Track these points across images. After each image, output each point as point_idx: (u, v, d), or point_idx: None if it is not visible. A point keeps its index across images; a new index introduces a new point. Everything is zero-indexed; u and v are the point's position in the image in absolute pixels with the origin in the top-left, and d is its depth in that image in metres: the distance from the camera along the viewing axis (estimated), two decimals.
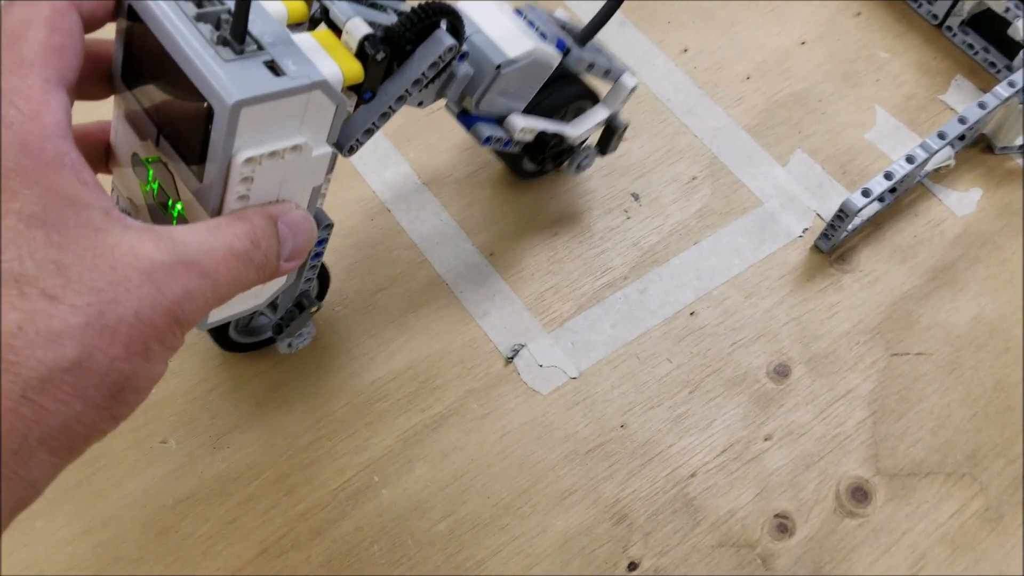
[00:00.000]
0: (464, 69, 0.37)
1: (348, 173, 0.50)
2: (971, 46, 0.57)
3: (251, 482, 0.41)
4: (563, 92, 0.44)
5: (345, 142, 0.33)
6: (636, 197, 0.51)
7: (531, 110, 0.42)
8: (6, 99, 0.22)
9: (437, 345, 0.45)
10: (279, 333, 0.41)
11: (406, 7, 0.32)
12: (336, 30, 0.31)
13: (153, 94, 0.27)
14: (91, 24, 0.25)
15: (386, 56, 0.30)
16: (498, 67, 0.37)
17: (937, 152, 0.50)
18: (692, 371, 0.45)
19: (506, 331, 0.46)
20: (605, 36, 0.51)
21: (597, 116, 0.45)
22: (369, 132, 0.33)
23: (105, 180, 0.30)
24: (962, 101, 0.55)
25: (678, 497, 0.42)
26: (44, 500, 0.22)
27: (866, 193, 0.47)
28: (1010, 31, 0.54)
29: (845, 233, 0.48)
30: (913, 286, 0.48)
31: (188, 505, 0.40)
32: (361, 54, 0.30)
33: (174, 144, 0.27)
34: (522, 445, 0.43)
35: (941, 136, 0.50)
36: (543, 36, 0.41)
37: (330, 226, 0.34)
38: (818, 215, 0.50)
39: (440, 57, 0.33)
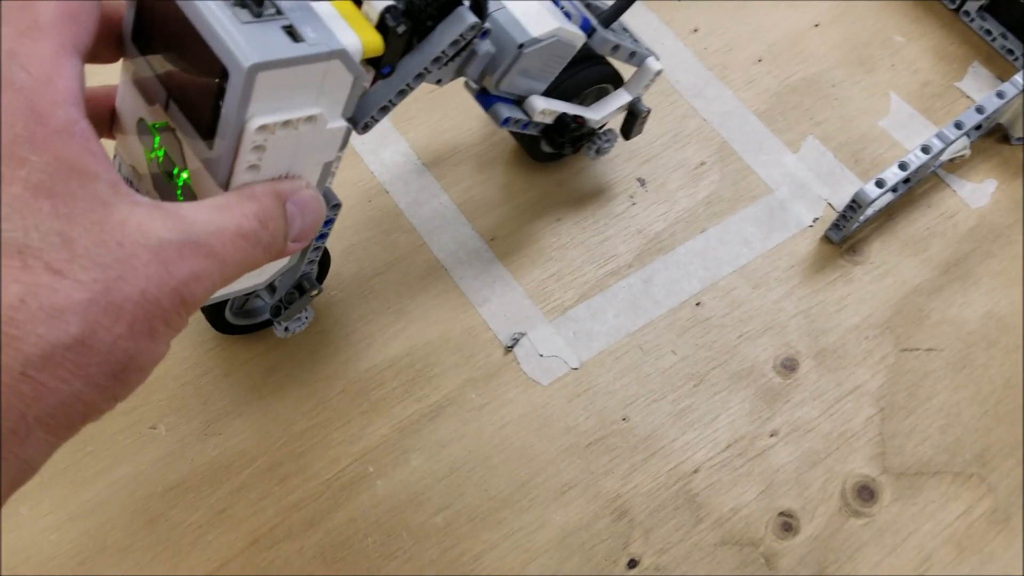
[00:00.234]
0: (485, 47, 0.35)
1: (345, 153, 0.48)
2: (989, 32, 0.56)
3: (243, 470, 0.40)
4: (585, 74, 0.42)
5: (360, 118, 0.32)
6: (642, 182, 0.49)
7: (552, 92, 0.41)
8: (17, 62, 0.21)
9: (435, 332, 0.44)
10: (277, 316, 0.40)
11: None
12: (356, 0, 0.29)
13: (165, 57, 0.26)
14: None
15: (407, 30, 0.29)
16: (520, 46, 0.36)
17: (953, 142, 0.48)
18: (697, 364, 0.44)
19: (506, 319, 0.45)
20: None
21: (619, 100, 0.43)
22: (385, 109, 0.32)
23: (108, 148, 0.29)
24: (979, 89, 0.54)
25: (680, 493, 0.41)
26: (30, 485, 0.22)
27: (880, 184, 0.46)
28: None
29: (857, 224, 0.47)
30: (924, 280, 0.47)
31: (178, 493, 0.39)
32: (381, 26, 0.29)
33: (184, 109, 0.26)
34: (521, 437, 0.42)
35: (958, 126, 0.49)
36: (567, 16, 0.40)
37: (338, 206, 0.33)
38: (829, 204, 0.49)
39: (462, 35, 0.32)
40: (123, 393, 0.21)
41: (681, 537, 0.40)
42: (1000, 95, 0.49)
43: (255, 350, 0.43)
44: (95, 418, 0.21)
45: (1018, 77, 0.50)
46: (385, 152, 0.49)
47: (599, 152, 0.45)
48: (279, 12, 0.25)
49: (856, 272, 0.47)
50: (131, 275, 0.20)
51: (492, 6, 0.36)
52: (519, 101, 0.40)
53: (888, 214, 0.49)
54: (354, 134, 0.29)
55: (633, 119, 0.44)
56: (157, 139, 0.28)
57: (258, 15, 0.24)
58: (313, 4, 0.26)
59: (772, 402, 0.43)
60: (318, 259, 0.37)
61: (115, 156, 0.32)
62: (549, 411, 0.42)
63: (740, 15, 0.56)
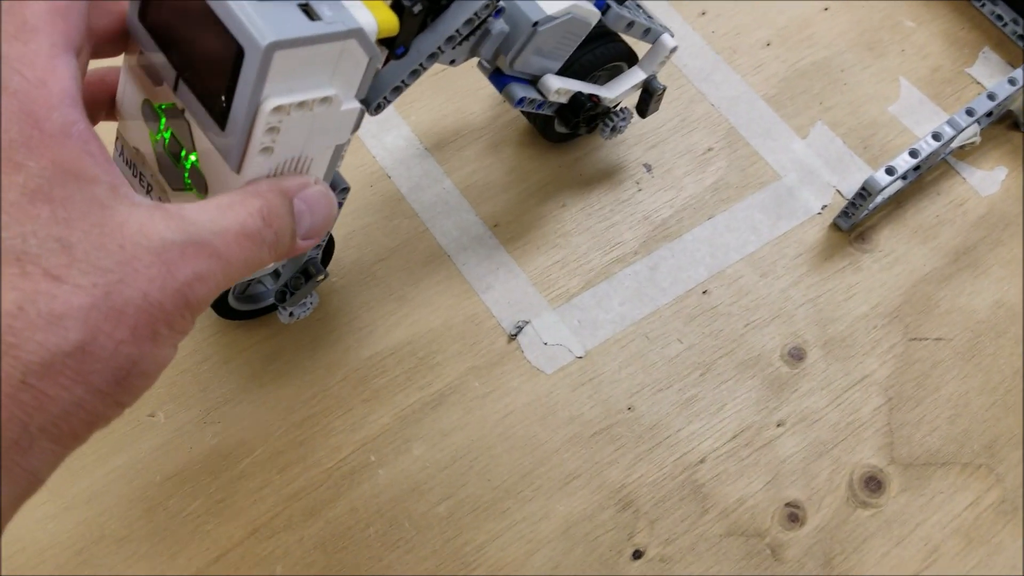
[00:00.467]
0: (499, 26, 0.35)
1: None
2: (1000, 17, 0.55)
3: (242, 459, 0.40)
4: (600, 52, 0.42)
5: (373, 99, 0.32)
6: (648, 168, 0.48)
7: (566, 70, 0.40)
8: (9, 66, 0.21)
9: (438, 320, 0.43)
10: (282, 301, 0.39)
11: None
12: None
13: (174, 34, 0.25)
14: None
15: (422, 9, 0.28)
16: (535, 24, 0.35)
17: (964, 129, 0.47)
18: (703, 352, 0.43)
19: (510, 307, 0.44)
20: None
21: (634, 78, 0.43)
22: (397, 90, 0.31)
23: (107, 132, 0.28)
24: (989, 75, 0.53)
25: (686, 483, 0.40)
26: None
27: (890, 171, 0.45)
28: None
29: (866, 212, 0.47)
30: (933, 268, 0.47)
31: (176, 482, 0.39)
32: (396, 5, 0.28)
33: (195, 90, 0.25)
34: (525, 426, 0.41)
35: (969, 112, 0.48)
36: None
37: (347, 190, 0.33)
38: (838, 191, 0.48)
39: (476, 13, 0.31)
40: (129, 399, 0.21)
41: (687, 528, 0.39)
42: (1012, 82, 0.49)
43: (255, 337, 0.42)
44: (102, 426, 0.21)
45: None
46: (387, 136, 0.48)
47: (614, 131, 0.44)
48: None
49: (865, 260, 0.47)
50: (132, 278, 0.20)
51: None
52: (533, 81, 0.39)
53: (897, 202, 0.48)
54: (364, 117, 0.29)
55: (649, 97, 0.44)
56: (163, 121, 0.28)
57: None
58: None
59: (779, 392, 0.43)
60: (324, 244, 0.37)
61: (116, 139, 0.31)
62: (553, 400, 0.42)
63: None
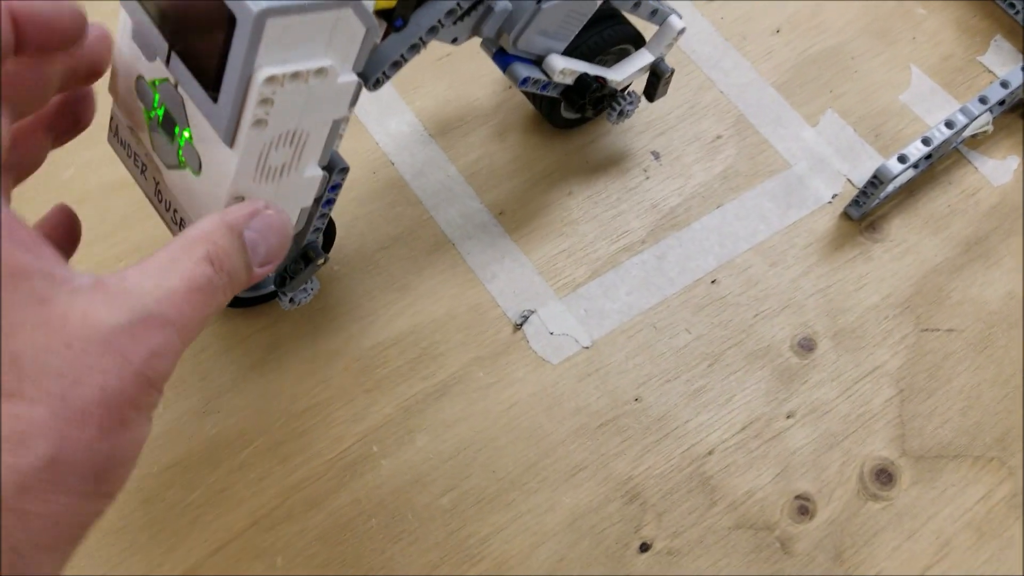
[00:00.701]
0: (502, 4, 0.34)
1: (349, 122, 0.47)
2: (1012, 5, 0.54)
3: (242, 449, 0.39)
4: (607, 33, 0.41)
5: (371, 74, 0.31)
6: (656, 156, 0.48)
7: (571, 52, 0.39)
8: None
9: (441, 309, 0.43)
10: (282, 286, 0.38)
11: None
12: None
13: (166, 7, 0.25)
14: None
15: None
16: (539, 2, 0.35)
17: (977, 118, 0.47)
18: (712, 343, 0.43)
19: (515, 296, 0.43)
20: None
21: (641, 60, 0.42)
22: (396, 65, 0.31)
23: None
24: (1001, 63, 0.52)
25: (694, 476, 0.40)
26: None
27: (903, 159, 0.44)
28: None
29: (877, 201, 0.46)
30: (945, 258, 0.46)
31: (175, 472, 0.38)
32: None
33: (187, 61, 0.25)
34: (530, 417, 0.40)
35: (982, 100, 0.47)
36: None
37: (346, 170, 0.32)
38: (849, 180, 0.48)
39: None
40: (115, 488, 0.20)
41: (694, 520, 0.39)
42: None
43: (255, 326, 0.41)
44: (96, 520, 0.20)
45: None
46: (390, 122, 0.47)
47: (622, 115, 0.43)
48: None
49: (876, 250, 0.46)
50: (86, 375, 0.19)
51: None
52: (538, 61, 0.38)
53: (909, 191, 0.48)
54: (362, 94, 0.28)
55: (656, 80, 0.43)
56: (157, 96, 0.27)
57: None
58: None
59: (789, 383, 0.42)
60: (324, 227, 0.36)
61: (111, 117, 0.31)
62: (559, 391, 0.41)
63: None
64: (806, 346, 0.43)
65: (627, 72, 0.41)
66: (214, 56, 0.24)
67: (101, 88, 0.28)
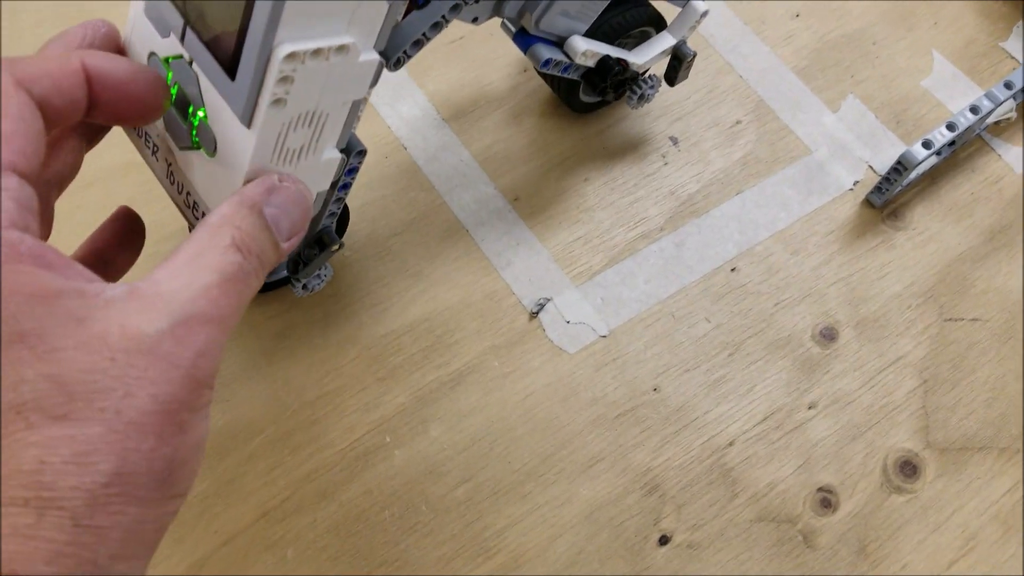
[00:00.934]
0: None
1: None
2: None
3: (252, 439, 0.37)
4: (629, 16, 0.40)
5: (392, 53, 0.30)
6: (675, 141, 0.46)
7: (593, 34, 0.38)
8: None
9: (455, 297, 0.41)
10: (295, 272, 0.37)
11: None
12: None
13: None
14: (51, 114, 0.22)
15: None
16: None
17: (1002, 103, 0.45)
18: (732, 332, 0.41)
19: (531, 283, 0.42)
20: None
21: (663, 43, 0.40)
22: (418, 44, 0.29)
23: None
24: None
25: (714, 467, 0.38)
26: None
27: (927, 145, 0.43)
28: None
29: (900, 188, 0.44)
30: (969, 247, 0.44)
31: None
32: None
33: (204, 38, 0.24)
34: (546, 407, 0.39)
35: (1008, 86, 0.46)
36: None
37: (363, 153, 0.30)
38: (870, 167, 0.46)
39: None
40: (184, 489, 0.20)
41: (715, 513, 0.37)
42: None
43: (265, 313, 0.40)
44: (170, 521, 0.20)
45: None
46: (402, 105, 0.46)
47: (642, 99, 0.42)
48: None
49: (898, 238, 0.44)
50: (136, 386, 0.19)
51: None
52: (559, 43, 0.37)
53: (931, 178, 0.46)
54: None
55: (678, 64, 0.41)
56: (170, 75, 0.26)
57: None
58: None
59: (810, 373, 0.41)
60: (339, 212, 0.34)
61: None
62: (576, 380, 0.40)
63: None
64: (828, 335, 0.42)
65: (649, 55, 0.40)
66: (232, 32, 0.22)
67: None
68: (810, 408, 0.40)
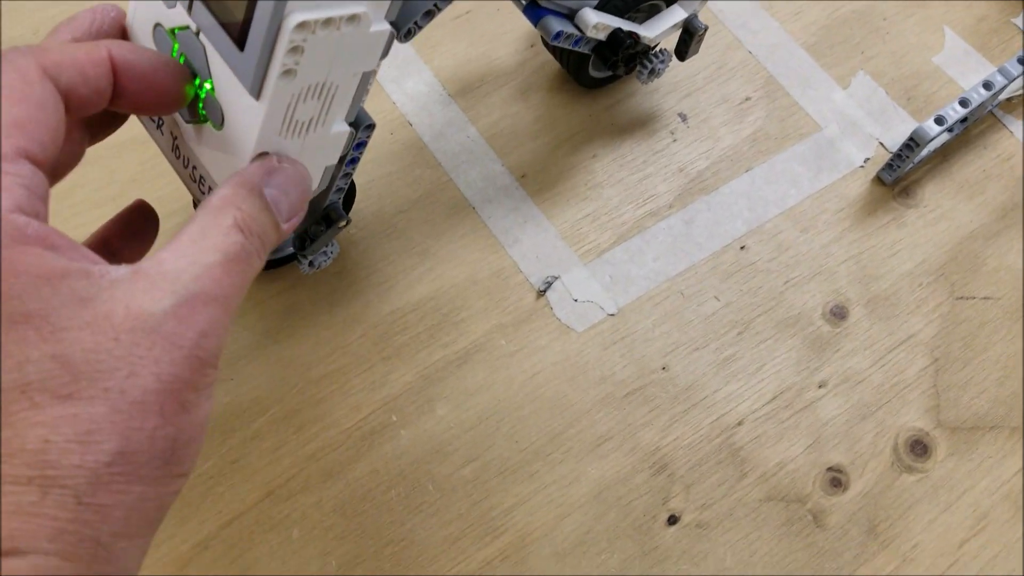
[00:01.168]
0: None
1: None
2: None
3: (257, 418, 0.36)
4: None
5: (403, 24, 0.28)
6: (683, 118, 0.44)
7: (603, 7, 0.36)
8: None
9: (462, 274, 0.40)
10: (302, 249, 0.35)
11: None
12: None
13: None
14: (76, 102, 0.21)
15: None
16: None
17: (1015, 80, 0.43)
18: (741, 310, 0.40)
19: (538, 261, 0.40)
20: None
21: (674, 16, 0.39)
22: (429, 15, 0.28)
23: None
24: None
25: (723, 447, 0.37)
26: None
27: (940, 121, 0.41)
28: None
29: (911, 165, 0.43)
30: (980, 224, 0.43)
31: None
32: None
33: (211, 6, 0.22)
34: (554, 386, 0.38)
35: (1021, 61, 0.44)
36: None
37: (371, 127, 0.29)
38: (881, 144, 0.44)
39: None
40: (187, 468, 0.20)
41: (724, 492, 0.36)
42: None
43: (269, 291, 0.39)
44: (173, 500, 0.20)
45: None
46: (408, 82, 0.44)
47: (653, 74, 0.40)
48: None
49: (909, 216, 0.43)
50: (140, 366, 0.19)
51: None
52: (570, 16, 0.35)
53: (942, 155, 0.44)
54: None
55: (689, 38, 0.40)
56: (176, 46, 0.24)
57: None
58: None
59: (820, 352, 0.39)
60: (346, 188, 0.33)
61: None
62: (584, 359, 0.38)
63: None
64: (838, 314, 0.40)
65: (660, 28, 0.38)
66: (241, 1, 0.21)
67: None
68: (820, 387, 0.38)
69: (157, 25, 0.25)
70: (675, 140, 0.44)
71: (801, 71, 0.46)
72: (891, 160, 0.42)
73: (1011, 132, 0.45)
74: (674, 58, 0.42)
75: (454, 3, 0.32)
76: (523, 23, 0.46)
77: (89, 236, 0.26)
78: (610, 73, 0.43)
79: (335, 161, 0.28)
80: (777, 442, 0.37)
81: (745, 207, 0.42)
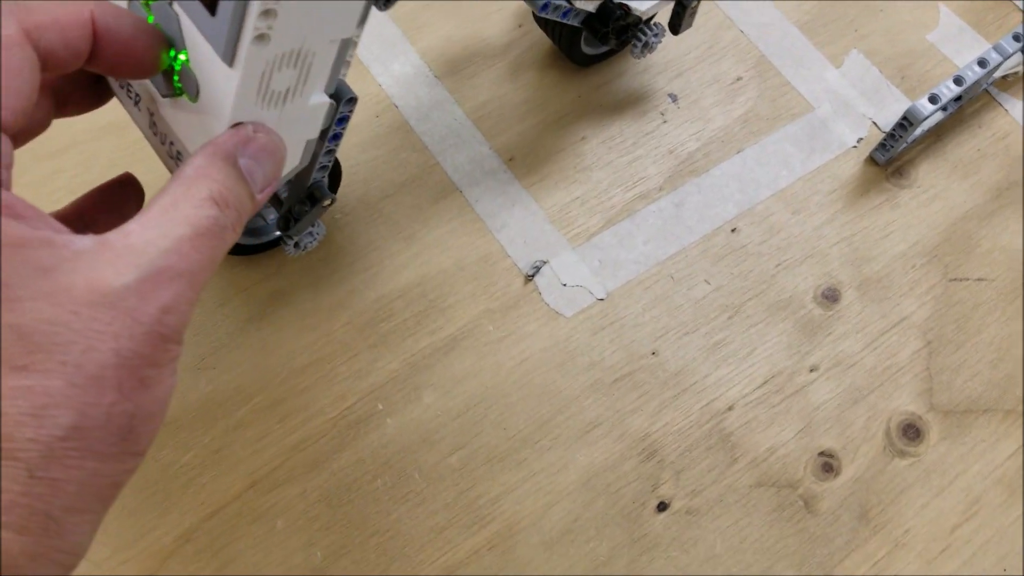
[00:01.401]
0: None
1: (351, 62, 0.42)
2: None
3: (240, 407, 0.35)
4: None
5: None
6: (674, 98, 0.43)
7: None
8: None
9: (449, 260, 0.38)
10: (286, 229, 0.33)
11: None
12: None
13: None
14: (53, 63, 0.21)
15: None
16: None
17: (1010, 57, 0.41)
18: (732, 294, 0.38)
19: (526, 246, 0.39)
20: None
21: None
22: None
23: None
24: None
25: (714, 432, 0.36)
26: None
27: (933, 99, 0.39)
28: None
29: (905, 144, 0.41)
30: (975, 205, 0.41)
31: (169, 432, 0.34)
32: None
33: None
34: (542, 372, 0.36)
35: (1016, 38, 0.42)
36: None
37: (353, 100, 0.27)
38: (874, 123, 0.43)
39: None
40: (143, 447, 0.19)
41: (714, 479, 0.35)
42: None
43: (252, 278, 0.37)
44: (128, 478, 0.19)
45: None
46: (394, 63, 0.42)
47: (646, 47, 0.38)
48: None
49: (902, 196, 0.41)
50: (98, 340, 0.18)
51: None
52: None
53: (936, 135, 0.43)
54: (369, 22, 0.23)
55: (682, 10, 0.38)
56: (151, 17, 0.23)
57: None
58: None
59: (812, 335, 0.38)
60: (330, 166, 0.31)
61: None
62: (573, 345, 0.37)
63: None
64: (830, 297, 0.39)
65: (651, 1, 0.36)
66: None
67: None
68: (812, 371, 0.37)
69: None
70: (665, 121, 0.42)
71: (793, 50, 0.44)
72: (884, 140, 0.41)
73: (1006, 110, 0.44)
74: (666, 36, 0.40)
75: None
76: (510, 1, 0.44)
77: (67, 205, 0.25)
78: (603, 49, 0.41)
79: (316, 135, 0.26)
80: (768, 427, 0.36)
81: (736, 189, 0.40)
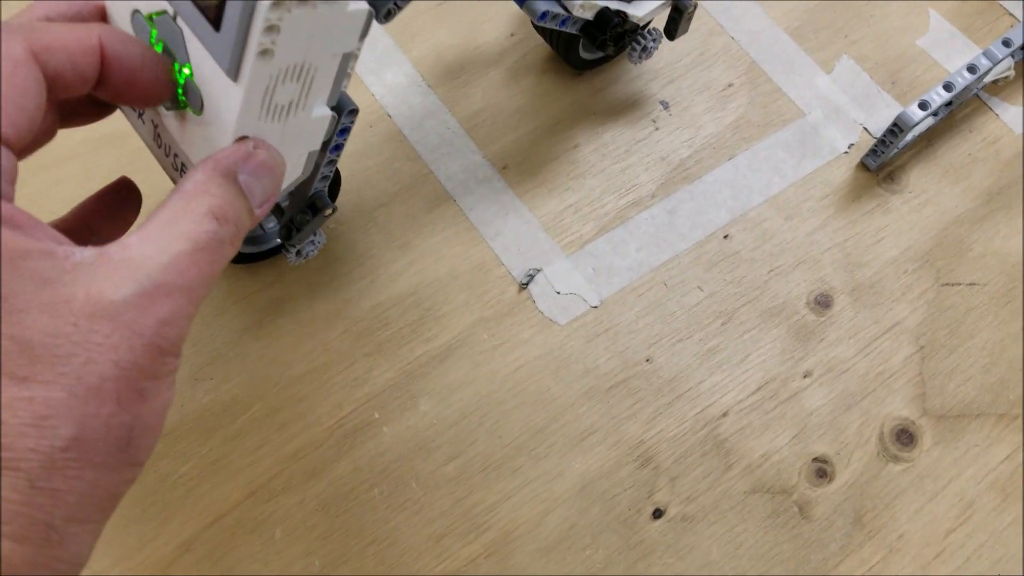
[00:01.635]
0: None
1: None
2: None
3: (237, 417, 0.34)
4: None
5: (382, 4, 0.27)
6: (665, 106, 0.42)
7: None
8: None
9: (443, 268, 0.38)
10: (288, 239, 0.33)
11: None
12: None
13: None
14: (61, 85, 0.20)
15: None
16: None
17: (1000, 62, 0.41)
18: (725, 300, 0.38)
19: (520, 254, 0.38)
20: None
21: None
22: None
23: None
24: (1022, 6, 0.46)
25: (708, 439, 0.35)
26: None
27: (924, 106, 0.39)
28: None
29: (896, 150, 0.40)
30: (966, 210, 0.41)
31: (167, 443, 0.34)
32: None
33: None
34: (537, 380, 0.36)
35: (1006, 43, 0.41)
36: None
37: (355, 112, 0.27)
38: (865, 129, 0.42)
39: None
40: (142, 457, 0.19)
41: (709, 485, 0.34)
42: None
43: (249, 288, 0.37)
44: (127, 488, 0.19)
45: None
46: (387, 73, 0.42)
47: (644, 52, 0.38)
48: None
49: (894, 202, 0.41)
50: (97, 352, 0.18)
51: None
52: None
53: (927, 140, 0.42)
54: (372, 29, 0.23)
55: (678, 16, 0.37)
56: (155, 32, 0.23)
57: None
58: None
59: (805, 341, 0.37)
60: (331, 176, 0.31)
61: None
62: (567, 352, 0.36)
63: None
64: (823, 302, 0.38)
65: (648, 7, 0.36)
66: None
67: None
68: (805, 377, 0.37)
69: (136, 12, 0.23)
70: (657, 128, 0.41)
71: (784, 56, 0.44)
72: (875, 145, 0.40)
73: (996, 115, 0.43)
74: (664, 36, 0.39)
75: None
76: (503, 9, 0.44)
77: (68, 212, 0.25)
78: (601, 54, 0.41)
79: (318, 147, 0.26)
80: (762, 433, 0.35)
81: (728, 195, 0.40)
